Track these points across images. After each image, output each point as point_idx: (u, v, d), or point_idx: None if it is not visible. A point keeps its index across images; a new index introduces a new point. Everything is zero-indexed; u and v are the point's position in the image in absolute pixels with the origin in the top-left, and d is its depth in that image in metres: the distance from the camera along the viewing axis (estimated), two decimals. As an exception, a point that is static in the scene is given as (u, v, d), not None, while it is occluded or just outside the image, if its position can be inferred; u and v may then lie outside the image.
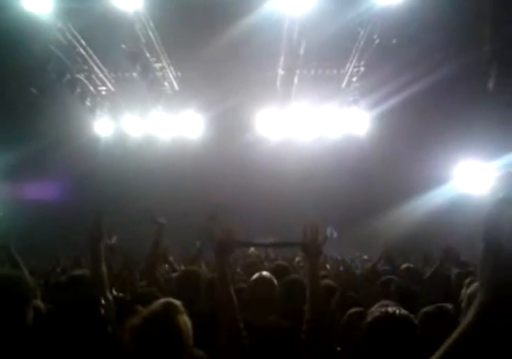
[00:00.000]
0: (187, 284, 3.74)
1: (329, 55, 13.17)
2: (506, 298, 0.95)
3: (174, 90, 14.44)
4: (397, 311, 1.99)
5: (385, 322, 1.96)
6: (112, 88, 14.55)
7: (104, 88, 14.51)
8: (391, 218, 12.78)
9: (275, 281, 3.55)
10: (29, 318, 2.50)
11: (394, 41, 11.73)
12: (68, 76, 12.76)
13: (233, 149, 14.21)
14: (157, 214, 4.32)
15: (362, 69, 13.57)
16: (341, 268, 6.92)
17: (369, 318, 2.01)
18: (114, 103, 14.83)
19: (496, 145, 11.61)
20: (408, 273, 5.53)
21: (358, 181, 14.12)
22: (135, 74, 13.28)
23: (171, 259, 6.62)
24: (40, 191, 14.36)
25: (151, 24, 11.51)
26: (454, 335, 1.00)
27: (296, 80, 13.29)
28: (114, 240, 4.69)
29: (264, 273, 3.70)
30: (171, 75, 13.91)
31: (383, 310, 2.02)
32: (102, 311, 2.62)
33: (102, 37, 11.57)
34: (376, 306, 2.52)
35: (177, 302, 2.29)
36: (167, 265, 6.13)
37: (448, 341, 1.01)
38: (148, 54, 12.40)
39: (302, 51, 11.59)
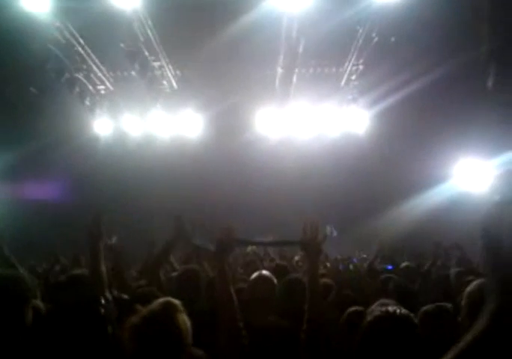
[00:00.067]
0: (187, 283, 3.73)
1: (328, 54, 13.15)
2: None
3: (173, 88, 14.42)
4: (398, 310, 1.99)
5: (385, 321, 1.96)
6: (111, 87, 14.53)
7: (103, 87, 14.49)
8: (390, 217, 12.77)
9: (275, 280, 3.54)
10: (28, 318, 2.50)
11: (393, 39, 11.72)
12: (67, 75, 12.73)
13: (232, 147, 14.21)
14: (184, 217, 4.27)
15: (361, 67, 13.56)
16: (340, 267, 6.94)
17: (369, 318, 2.01)
18: (113, 102, 14.81)
19: (495, 143, 11.62)
20: (407, 272, 5.54)
21: (357, 179, 14.12)
22: (133, 73, 13.25)
23: (171, 258, 6.62)
24: (39, 190, 14.34)
25: (149, 22, 11.49)
26: (467, 338, 0.99)
27: (294, 79, 13.28)
28: (114, 240, 4.68)
29: (264, 272, 3.69)
30: (169, 74, 13.89)
31: (383, 309, 2.02)
32: (102, 311, 2.62)
33: (101, 36, 11.55)
34: (375, 304, 2.52)
35: (177, 301, 2.29)
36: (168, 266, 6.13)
37: (461, 343, 0.99)
38: (147, 53, 12.38)
39: (300, 50, 11.58)
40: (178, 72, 14.10)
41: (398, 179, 13.19)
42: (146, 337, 2.14)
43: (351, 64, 13.46)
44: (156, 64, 13.19)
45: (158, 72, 13.53)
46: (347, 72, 13.88)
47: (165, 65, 13.42)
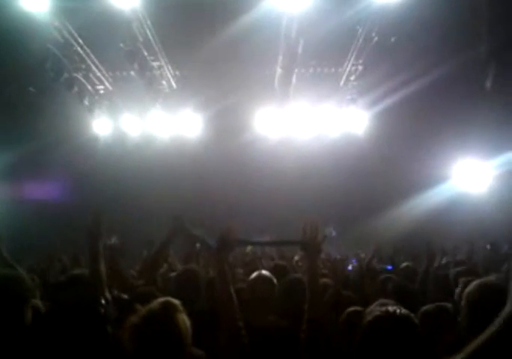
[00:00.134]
0: (186, 283, 3.73)
1: (327, 54, 13.15)
2: None
3: (172, 88, 14.41)
4: (398, 310, 1.99)
5: (385, 321, 1.95)
6: (110, 87, 14.52)
7: (102, 87, 14.47)
8: (389, 217, 12.78)
9: (275, 280, 3.54)
10: (28, 318, 2.50)
11: (393, 39, 11.71)
12: (66, 75, 12.71)
13: (231, 147, 14.21)
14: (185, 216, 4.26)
15: (360, 67, 13.56)
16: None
17: (369, 318, 2.00)
18: (112, 102, 14.80)
19: (494, 144, 11.64)
20: (407, 272, 5.54)
21: (356, 179, 14.12)
22: (132, 73, 13.25)
23: (172, 258, 6.62)
24: (38, 190, 14.33)
25: (148, 22, 11.48)
26: (479, 340, 0.99)
27: (294, 79, 13.27)
28: (113, 240, 4.67)
29: (263, 272, 3.69)
30: (168, 74, 13.89)
31: (383, 309, 2.01)
32: (102, 311, 2.62)
33: (100, 36, 11.53)
34: (374, 304, 2.52)
35: (176, 301, 2.29)
36: (166, 265, 6.13)
37: (474, 343, 0.99)
38: (146, 53, 12.36)
39: (300, 50, 11.56)
40: (177, 72, 14.10)
41: (397, 180, 13.20)
42: (145, 337, 2.14)
43: (350, 64, 13.46)
44: (155, 64, 13.18)
45: (157, 72, 13.52)
46: (347, 72, 13.88)
47: (165, 65, 13.42)
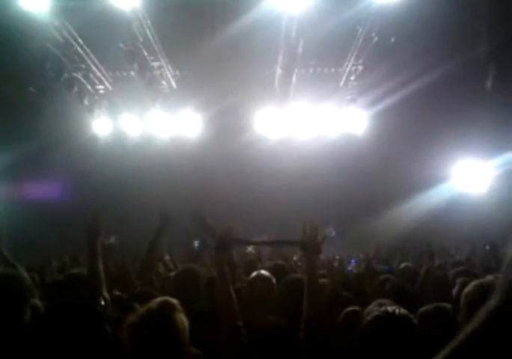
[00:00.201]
0: (186, 283, 3.73)
1: (327, 54, 13.16)
2: None
3: (172, 88, 14.41)
4: (397, 310, 1.98)
5: (385, 321, 1.95)
6: (110, 87, 14.52)
7: (102, 87, 14.47)
8: (389, 217, 12.78)
9: (274, 280, 3.55)
10: (27, 317, 2.49)
11: (393, 39, 11.72)
12: (66, 75, 12.71)
13: (231, 147, 14.21)
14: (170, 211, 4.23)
15: (360, 67, 13.56)
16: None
17: (368, 318, 2.00)
18: (112, 102, 14.80)
19: (494, 144, 11.64)
20: (405, 272, 5.53)
21: (356, 180, 14.12)
22: (132, 73, 13.25)
23: (167, 258, 6.62)
24: (38, 189, 14.33)
25: (149, 22, 11.48)
26: (462, 336, 0.99)
27: (294, 79, 13.27)
28: (112, 240, 4.67)
29: (262, 272, 3.70)
30: (168, 74, 13.89)
31: (383, 309, 2.01)
32: (101, 310, 2.62)
33: (100, 36, 11.54)
34: (372, 304, 2.51)
35: (174, 301, 2.29)
36: (161, 265, 6.13)
37: (455, 341, 0.99)
38: (146, 53, 12.36)
39: (300, 50, 11.57)
40: (177, 72, 14.10)
41: (397, 180, 13.20)
42: (143, 336, 2.14)
43: (350, 65, 13.46)
44: (155, 64, 13.18)
45: (157, 72, 13.52)
46: (346, 72, 13.88)
47: (164, 65, 13.42)
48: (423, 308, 3.15)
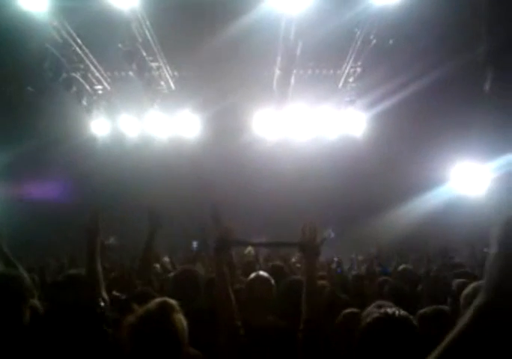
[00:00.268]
0: (184, 284, 3.72)
1: (326, 56, 13.16)
2: (507, 301, 0.96)
3: (171, 89, 14.40)
4: (397, 312, 1.98)
5: (385, 323, 1.95)
6: (108, 87, 14.50)
7: (100, 87, 14.45)
8: (387, 219, 12.79)
9: (272, 281, 3.54)
10: (26, 318, 2.48)
11: (391, 42, 11.73)
12: (64, 75, 12.69)
13: (230, 149, 14.21)
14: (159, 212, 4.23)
15: (359, 69, 13.57)
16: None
17: (368, 319, 2.00)
18: (110, 103, 14.79)
19: (493, 147, 11.63)
20: (404, 274, 5.54)
21: (354, 182, 14.13)
22: (131, 73, 13.23)
23: (166, 259, 6.62)
24: (37, 189, 14.31)
25: (147, 23, 11.47)
26: (451, 335, 1.01)
27: (292, 80, 13.27)
28: (111, 240, 4.66)
29: (261, 273, 3.69)
30: (167, 75, 13.88)
31: (382, 310, 2.01)
32: (100, 310, 2.61)
33: (98, 36, 11.51)
34: (371, 306, 2.51)
35: (173, 301, 2.28)
36: (159, 266, 6.13)
37: (445, 341, 1.02)
38: (144, 54, 12.35)
39: (298, 52, 11.57)
40: (176, 72, 14.10)
41: (396, 182, 13.21)
42: (142, 337, 2.13)
43: (349, 66, 13.47)
44: (154, 65, 13.17)
45: (156, 73, 13.51)
46: (345, 74, 13.89)
47: (163, 66, 13.40)
48: (421, 310, 3.15)
